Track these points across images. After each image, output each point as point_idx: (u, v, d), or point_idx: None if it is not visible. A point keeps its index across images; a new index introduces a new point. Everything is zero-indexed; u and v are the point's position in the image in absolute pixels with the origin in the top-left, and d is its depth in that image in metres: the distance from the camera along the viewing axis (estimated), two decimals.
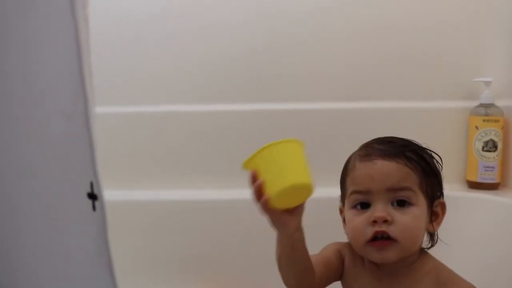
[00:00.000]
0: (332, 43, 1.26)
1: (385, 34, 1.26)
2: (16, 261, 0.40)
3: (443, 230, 1.13)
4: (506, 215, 1.08)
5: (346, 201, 0.74)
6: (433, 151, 0.76)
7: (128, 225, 1.14)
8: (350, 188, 0.72)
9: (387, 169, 0.69)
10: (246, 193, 1.19)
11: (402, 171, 0.69)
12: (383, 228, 0.67)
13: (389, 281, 0.72)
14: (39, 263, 0.40)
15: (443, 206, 0.76)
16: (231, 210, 1.20)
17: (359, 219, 0.70)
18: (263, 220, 1.16)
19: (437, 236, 0.77)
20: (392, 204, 0.69)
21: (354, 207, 0.71)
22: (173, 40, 1.26)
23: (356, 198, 0.71)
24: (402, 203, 0.69)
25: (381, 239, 0.68)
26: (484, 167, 1.18)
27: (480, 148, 1.18)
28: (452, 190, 1.21)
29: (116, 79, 1.25)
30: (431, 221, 0.73)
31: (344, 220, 0.76)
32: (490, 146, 1.18)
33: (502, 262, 1.03)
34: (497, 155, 1.18)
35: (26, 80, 0.41)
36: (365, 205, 0.70)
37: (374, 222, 0.68)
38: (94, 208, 0.39)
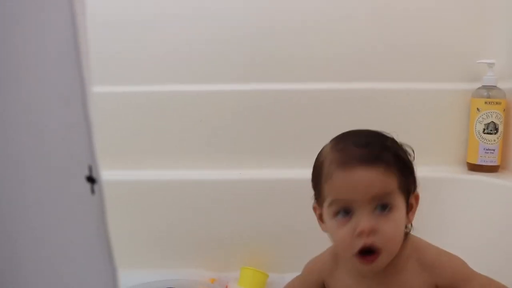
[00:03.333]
0: (334, 23, 1.25)
1: (387, 15, 1.24)
2: (16, 245, 0.41)
3: (443, 211, 1.15)
4: (505, 197, 1.09)
5: (325, 209, 0.72)
6: (405, 144, 0.75)
7: (126, 205, 1.15)
8: (329, 197, 0.70)
9: (368, 178, 0.67)
10: (247, 173, 1.21)
11: (383, 178, 0.67)
12: (370, 240, 0.66)
13: (372, 276, 0.73)
14: (39, 247, 0.41)
15: (417, 198, 0.75)
16: (232, 190, 1.20)
17: (344, 231, 0.68)
18: (264, 200, 1.18)
19: (412, 225, 0.75)
20: (375, 209, 0.68)
21: (335, 215, 0.70)
22: (174, 19, 1.25)
23: (338, 208, 0.69)
24: (384, 207, 0.68)
25: (368, 253, 0.67)
26: (484, 149, 1.18)
27: (481, 130, 1.18)
28: (452, 172, 1.22)
29: (115, 58, 1.24)
30: (406, 213, 0.72)
31: (320, 218, 0.75)
32: (491, 128, 1.17)
33: (501, 244, 1.03)
34: (498, 138, 1.18)
35: (22, 64, 0.41)
36: (347, 213, 0.69)
37: (360, 233, 0.67)
38: (92, 191, 0.39)
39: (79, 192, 0.39)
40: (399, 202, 0.69)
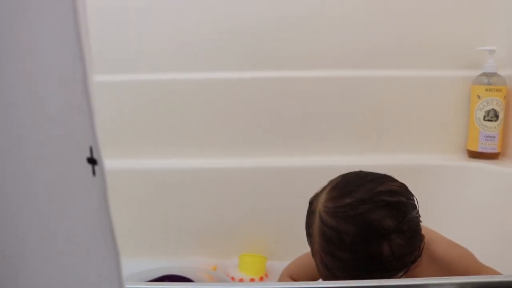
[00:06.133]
0: (336, 12, 1.24)
1: (388, 2, 1.24)
2: (19, 230, 0.40)
3: (443, 198, 1.15)
4: (505, 184, 1.09)
5: None
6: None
7: (126, 194, 1.15)
8: None
9: None
10: (247, 161, 1.21)
11: None
12: None
13: None
14: (42, 231, 0.40)
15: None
16: (232, 178, 1.20)
17: None
18: (264, 188, 1.18)
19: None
20: None
21: None
22: (176, 7, 1.23)
23: None
24: None
25: None
26: (485, 136, 1.18)
27: (482, 117, 1.18)
28: (453, 159, 1.22)
29: (117, 47, 1.23)
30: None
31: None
32: (492, 115, 1.17)
33: (501, 230, 1.04)
34: (498, 125, 1.17)
35: (23, 47, 0.41)
36: None
37: None
38: (94, 173, 0.39)
39: (81, 174, 0.39)
40: None
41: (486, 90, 1.17)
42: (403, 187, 0.70)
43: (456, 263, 0.72)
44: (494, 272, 0.74)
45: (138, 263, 1.01)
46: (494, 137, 1.17)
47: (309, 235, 0.70)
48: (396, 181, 0.70)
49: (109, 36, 1.22)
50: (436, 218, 1.08)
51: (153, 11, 1.24)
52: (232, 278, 1.09)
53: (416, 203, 0.69)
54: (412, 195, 0.70)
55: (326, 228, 0.65)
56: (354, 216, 0.64)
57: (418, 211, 0.69)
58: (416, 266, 0.68)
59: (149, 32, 1.24)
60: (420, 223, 0.69)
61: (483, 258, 0.77)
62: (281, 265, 1.07)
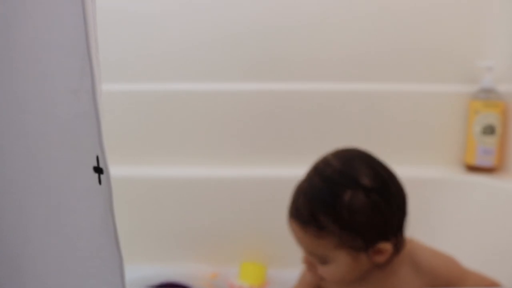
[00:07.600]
0: (334, 25, 1.25)
1: (386, 15, 1.25)
2: (25, 235, 0.41)
3: (440, 211, 1.16)
4: (502, 198, 1.10)
5: None
6: (375, 190, 0.68)
7: (127, 200, 1.15)
8: None
9: (299, 235, 0.72)
10: (250, 170, 1.22)
11: (312, 241, 0.70)
12: (316, 271, 0.74)
13: (365, 277, 0.73)
14: (48, 237, 0.41)
15: (384, 250, 0.70)
16: (234, 187, 1.21)
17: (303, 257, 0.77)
18: (264, 196, 1.19)
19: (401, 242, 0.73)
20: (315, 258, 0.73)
21: None
22: (181, 17, 1.25)
23: None
24: (322, 261, 0.71)
25: None
26: (482, 151, 1.19)
27: (479, 132, 1.19)
28: (450, 173, 1.23)
29: (124, 56, 1.25)
30: (368, 255, 0.70)
31: None
32: (489, 130, 1.18)
33: (497, 244, 1.04)
34: (495, 140, 1.18)
35: (32, 56, 0.41)
36: None
37: None
38: (100, 181, 0.40)
39: (87, 182, 0.40)
40: (337, 258, 0.70)
41: (484, 105, 1.18)
42: (402, 189, 0.72)
43: (440, 270, 0.73)
44: (478, 277, 0.75)
45: (138, 270, 1.01)
46: (492, 151, 1.18)
47: (307, 172, 0.76)
48: (401, 187, 0.72)
49: (112, 46, 1.23)
50: (432, 230, 1.09)
51: (158, 22, 1.25)
52: (232, 286, 1.09)
53: (406, 211, 0.72)
54: (405, 204, 0.72)
55: (321, 160, 0.74)
56: (346, 160, 0.71)
57: (401, 219, 0.71)
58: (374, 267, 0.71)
59: (153, 43, 1.26)
60: (397, 231, 0.71)
61: (479, 271, 0.78)
62: (281, 273, 1.07)
